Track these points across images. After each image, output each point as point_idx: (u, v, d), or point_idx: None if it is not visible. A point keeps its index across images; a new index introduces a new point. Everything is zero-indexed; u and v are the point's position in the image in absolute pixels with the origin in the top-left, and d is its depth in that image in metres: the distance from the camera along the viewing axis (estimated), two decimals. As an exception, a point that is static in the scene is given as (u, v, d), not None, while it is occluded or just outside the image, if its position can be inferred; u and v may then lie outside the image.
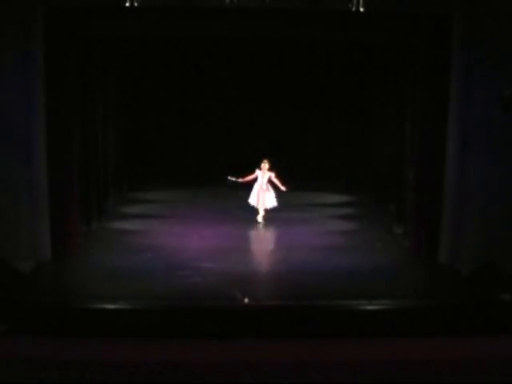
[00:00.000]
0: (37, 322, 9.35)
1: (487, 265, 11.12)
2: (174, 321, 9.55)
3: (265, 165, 14.81)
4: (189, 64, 18.71)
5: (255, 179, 14.88)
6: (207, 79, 18.90)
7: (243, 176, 14.92)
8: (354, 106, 19.11)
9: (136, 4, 10.92)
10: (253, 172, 14.90)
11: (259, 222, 14.79)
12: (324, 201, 17.73)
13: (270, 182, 14.83)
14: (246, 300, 10.34)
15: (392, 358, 5.42)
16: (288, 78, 18.93)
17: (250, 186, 15.04)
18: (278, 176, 14.84)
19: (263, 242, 13.62)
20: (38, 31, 11.55)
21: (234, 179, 14.93)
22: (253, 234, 14.15)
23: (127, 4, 10.89)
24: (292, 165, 19.70)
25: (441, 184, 12.34)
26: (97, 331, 9.25)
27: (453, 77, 11.92)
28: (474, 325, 9.54)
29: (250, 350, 5.50)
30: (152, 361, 5.35)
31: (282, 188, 14.71)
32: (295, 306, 9.99)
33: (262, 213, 14.85)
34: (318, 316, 9.74)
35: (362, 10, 10.95)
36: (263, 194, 14.75)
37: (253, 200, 14.85)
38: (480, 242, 12.09)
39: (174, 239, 13.74)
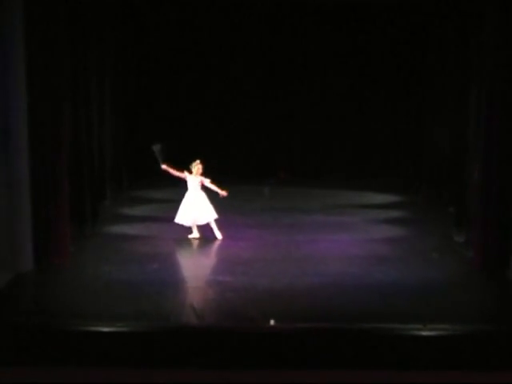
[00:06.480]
0: (15, 348, 9.34)
1: None
2: (184, 345, 9.53)
3: (198, 167, 14.01)
4: (199, 45, 19.06)
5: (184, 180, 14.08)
6: (222, 63, 19.23)
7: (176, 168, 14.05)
8: (403, 85, 19.05)
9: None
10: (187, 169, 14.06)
11: (194, 238, 14.14)
12: (367, 202, 17.73)
13: (204, 188, 14.16)
14: (272, 322, 10.29)
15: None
16: (325, 59, 19.25)
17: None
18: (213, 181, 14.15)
19: (292, 251, 13.54)
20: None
21: (158, 156, 14.01)
22: (279, 240, 14.09)
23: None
24: (328, 160, 19.84)
25: (512, 182, 12.22)
26: (90, 359, 9.24)
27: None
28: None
29: (275, 381, 5.40)
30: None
31: (222, 193, 14.01)
32: (330, 330, 9.89)
33: (195, 232, 14.15)
34: (359, 342, 9.66)
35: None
36: (195, 207, 14.01)
37: (182, 218, 14.07)
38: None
39: (183, 247, 13.76)
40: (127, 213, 16.41)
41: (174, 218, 14.22)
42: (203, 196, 14.18)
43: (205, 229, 14.27)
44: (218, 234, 14.18)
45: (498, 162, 12.38)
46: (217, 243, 14.00)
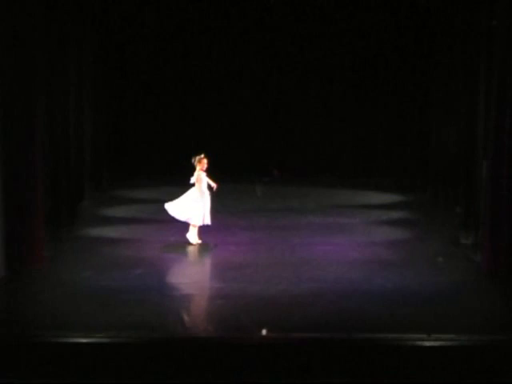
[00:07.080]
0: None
1: None
2: (171, 357, 9.51)
3: (204, 161, 13.87)
4: (192, 40, 19.23)
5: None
6: (213, 50, 19.33)
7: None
8: (409, 81, 19.17)
9: None
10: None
11: (194, 244, 13.97)
12: (367, 202, 17.76)
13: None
14: (264, 331, 10.30)
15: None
16: (326, 55, 19.45)
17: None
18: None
19: (287, 256, 13.55)
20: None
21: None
22: (273, 244, 14.10)
23: None
24: (326, 157, 19.91)
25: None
26: (68, 372, 9.22)
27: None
28: None
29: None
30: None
31: (214, 185, 14.00)
32: (328, 340, 9.90)
33: (194, 232, 13.99)
34: (358, 353, 9.66)
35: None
36: (205, 205, 13.89)
37: (177, 211, 13.83)
38: None
39: (169, 251, 13.76)
40: (108, 214, 16.40)
41: (159, 219, 14.18)
42: (208, 196, 14.01)
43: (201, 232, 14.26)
44: (196, 239, 13.99)
45: (508, 161, 12.42)
46: (206, 247, 13.98)
